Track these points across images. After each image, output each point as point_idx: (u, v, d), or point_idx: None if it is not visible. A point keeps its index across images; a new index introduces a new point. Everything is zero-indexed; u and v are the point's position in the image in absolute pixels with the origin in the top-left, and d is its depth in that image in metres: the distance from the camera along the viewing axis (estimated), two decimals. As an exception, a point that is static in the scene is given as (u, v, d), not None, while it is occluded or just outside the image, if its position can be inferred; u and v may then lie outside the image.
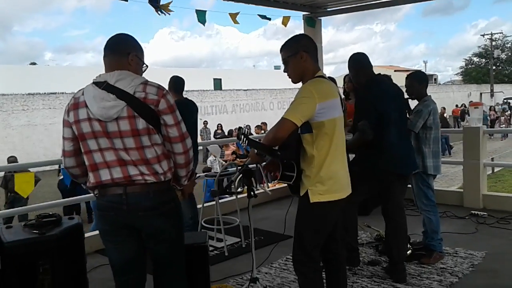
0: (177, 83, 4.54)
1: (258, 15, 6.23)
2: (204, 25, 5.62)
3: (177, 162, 2.28)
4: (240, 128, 2.55)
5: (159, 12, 4.99)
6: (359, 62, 3.60)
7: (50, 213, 3.07)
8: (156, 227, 2.25)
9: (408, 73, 4.15)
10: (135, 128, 2.12)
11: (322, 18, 7.07)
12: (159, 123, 2.18)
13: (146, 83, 2.18)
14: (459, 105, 32.61)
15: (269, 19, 6.26)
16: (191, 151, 2.33)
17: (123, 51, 2.21)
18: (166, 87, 2.36)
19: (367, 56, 3.62)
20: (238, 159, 11.07)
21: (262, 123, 17.36)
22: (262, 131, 15.56)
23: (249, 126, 18.70)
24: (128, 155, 2.15)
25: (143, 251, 2.37)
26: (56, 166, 10.26)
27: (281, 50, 2.60)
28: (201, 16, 5.59)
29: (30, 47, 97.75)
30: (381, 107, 3.37)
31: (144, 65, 2.31)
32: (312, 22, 6.85)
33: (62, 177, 9.39)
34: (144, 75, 2.30)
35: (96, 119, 2.13)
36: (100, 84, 2.14)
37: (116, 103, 2.09)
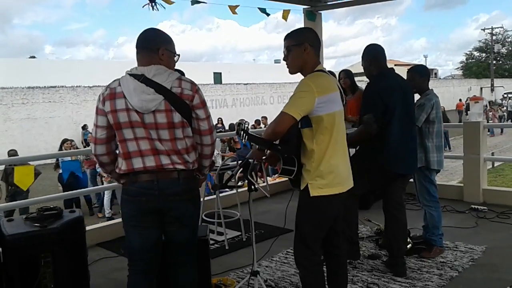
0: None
1: (258, 8, 6.20)
2: (192, 4, 5.49)
3: (204, 153, 2.43)
4: (239, 124, 2.56)
5: (152, 7, 4.91)
6: (373, 53, 3.56)
7: (51, 206, 3.08)
8: (183, 211, 2.38)
9: (409, 67, 4.13)
10: (171, 121, 2.25)
11: (323, 12, 7.05)
12: (191, 117, 2.31)
13: (180, 78, 2.30)
14: (463, 100, 32.26)
15: (268, 14, 6.22)
16: (215, 143, 2.47)
17: (153, 47, 2.32)
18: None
19: (382, 48, 3.58)
20: (231, 153, 10.99)
21: (262, 117, 17.34)
22: (263, 125, 15.53)
23: (246, 121, 18.65)
24: (162, 145, 2.27)
25: (161, 239, 2.47)
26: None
27: (286, 38, 2.59)
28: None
29: (30, 40, 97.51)
30: (387, 101, 3.35)
31: (176, 55, 2.43)
32: (312, 16, 6.82)
33: (61, 171, 9.38)
34: None
35: (134, 110, 2.23)
36: (138, 76, 2.24)
37: (155, 97, 2.21)
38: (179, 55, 2.45)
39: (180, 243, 2.48)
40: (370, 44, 3.64)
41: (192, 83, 2.33)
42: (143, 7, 4.83)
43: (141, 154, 2.28)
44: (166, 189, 2.31)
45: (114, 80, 2.33)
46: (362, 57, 3.61)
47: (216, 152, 10.94)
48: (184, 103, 2.27)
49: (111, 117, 2.27)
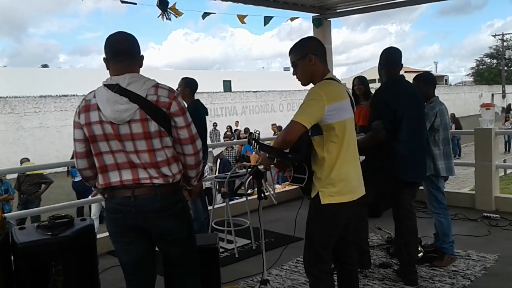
0: (194, 84, 4.70)
1: (264, 18, 6.27)
2: (203, 18, 5.71)
3: (187, 163, 2.31)
4: (250, 133, 2.55)
5: (165, 17, 5.02)
6: (386, 58, 3.52)
7: (63, 214, 3.10)
8: (165, 228, 2.28)
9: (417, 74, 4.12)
10: (148, 131, 2.14)
11: (335, 19, 7.07)
12: (170, 125, 2.21)
13: (157, 85, 2.20)
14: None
15: (266, 23, 6.28)
16: (201, 152, 2.35)
17: (137, 55, 2.26)
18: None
19: (398, 54, 3.53)
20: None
21: (272, 125, 17.35)
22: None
23: (257, 130, 18.68)
24: (138, 158, 2.18)
25: (152, 252, 2.41)
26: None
27: (289, 53, 2.60)
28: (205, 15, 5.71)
29: (45, 49, 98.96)
30: (395, 108, 3.34)
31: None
32: (317, 22, 6.86)
33: (75, 179, 9.44)
34: (157, 77, 2.32)
35: (108, 122, 2.15)
36: (112, 86, 2.16)
37: (129, 106, 2.12)
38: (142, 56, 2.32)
39: (172, 259, 2.41)
40: (388, 48, 3.60)
41: (170, 90, 2.21)
42: (158, 17, 4.98)
43: (118, 167, 2.20)
44: (143, 206, 2.20)
45: (91, 92, 2.24)
46: (379, 61, 3.58)
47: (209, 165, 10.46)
48: (161, 111, 2.15)
49: (86, 130, 2.19)
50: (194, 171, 2.36)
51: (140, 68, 2.29)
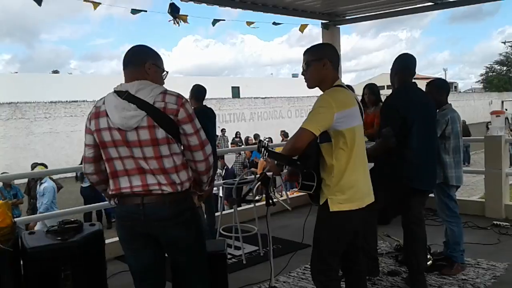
0: (199, 91, 4.72)
1: (272, 23, 6.35)
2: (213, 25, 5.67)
3: (198, 170, 2.31)
4: (260, 140, 2.56)
5: (176, 22, 5.11)
6: (400, 65, 3.50)
7: (72, 219, 3.13)
8: (173, 236, 2.29)
9: (428, 80, 4.09)
10: (155, 138, 2.15)
11: (344, 26, 7.08)
12: (178, 132, 2.21)
13: (165, 92, 2.21)
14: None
15: (277, 24, 6.36)
16: (211, 157, 2.35)
17: (139, 62, 2.26)
18: (187, 96, 2.39)
19: (414, 61, 3.51)
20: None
21: (281, 131, 17.30)
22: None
23: (266, 138, 18.64)
24: (147, 164, 2.19)
25: (161, 258, 2.42)
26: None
27: (305, 52, 2.60)
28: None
29: (57, 55, 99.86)
30: (404, 115, 3.32)
31: (164, 72, 2.34)
32: (326, 25, 6.90)
33: (83, 184, 9.48)
34: (166, 83, 2.33)
35: (116, 128, 2.17)
36: (121, 93, 2.19)
37: (136, 113, 2.13)
38: (167, 72, 2.35)
39: (181, 267, 2.41)
40: (403, 54, 3.57)
41: (178, 96, 2.21)
42: (169, 21, 5.04)
43: (127, 174, 2.22)
44: (152, 214, 2.21)
45: (101, 98, 2.28)
46: (391, 66, 3.57)
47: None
48: (168, 118, 2.15)
49: (96, 136, 2.23)
50: (205, 176, 2.37)
51: (155, 75, 2.29)
